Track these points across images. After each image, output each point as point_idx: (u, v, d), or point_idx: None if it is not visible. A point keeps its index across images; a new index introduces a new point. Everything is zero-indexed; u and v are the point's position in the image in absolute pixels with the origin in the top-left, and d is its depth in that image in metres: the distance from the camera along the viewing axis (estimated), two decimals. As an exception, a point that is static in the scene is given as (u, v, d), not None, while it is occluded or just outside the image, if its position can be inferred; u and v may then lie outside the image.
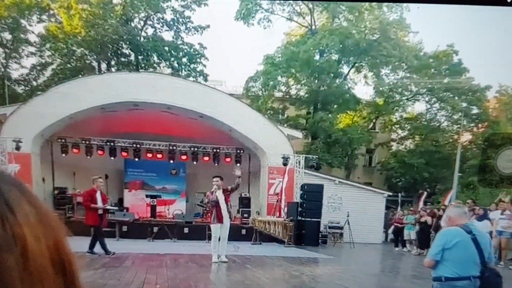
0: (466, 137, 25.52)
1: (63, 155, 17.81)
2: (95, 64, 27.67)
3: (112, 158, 18.58)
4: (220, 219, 9.55)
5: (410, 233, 16.00)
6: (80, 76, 21.52)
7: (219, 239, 9.72)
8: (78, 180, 17.41)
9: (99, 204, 10.10)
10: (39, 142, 16.36)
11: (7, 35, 25.98)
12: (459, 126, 24.92)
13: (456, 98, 25.63)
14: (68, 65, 26.84)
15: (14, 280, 0.31)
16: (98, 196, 10.10)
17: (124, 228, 14.77)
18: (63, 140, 17.81)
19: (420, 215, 15.66)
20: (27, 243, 0.33)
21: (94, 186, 10.27)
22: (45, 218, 0.36)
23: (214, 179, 9.67)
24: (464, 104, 25.39)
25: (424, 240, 15.32)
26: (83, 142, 18.19)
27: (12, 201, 0.34)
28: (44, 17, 26.45)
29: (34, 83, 27.05)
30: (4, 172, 0.36)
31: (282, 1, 27.60)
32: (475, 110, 25.87)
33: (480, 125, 26.25)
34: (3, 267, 0.31)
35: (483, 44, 36.05)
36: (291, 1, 27.61)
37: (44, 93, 17.41)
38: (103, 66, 27.56)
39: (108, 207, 10.74)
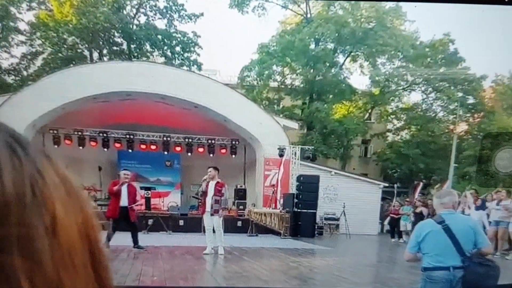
0: (462, 127, 25.54)
1: (55, 146, 17.53)
2: (86, 53, 27.23)
3: (105, 149, 18.34)
4: (203, 211, 9.44)
5: (406, 224, 16.01)
6: (72, 65, 21.11)
7: (214, 231, 9.56)
8: (71, 172, 17.12)
9: (123, 199, 9.62)
10: (30, 133, 16.06)
11: (-5, 24, 25.46)
12: (455, 116, 24.86)
13: (452, 88, 25.58)
14: (59, 54, 26.39)
15: (44, 247, 0.30)
16: (124, 189, 9.60)
17: (119, 221, 14.58)
18: (55, 131, 17.55)
19: (416, 206, 15.68)
20: (56, 211, 0.32)
21: (120, 179, 9.85)
22: (74, 192, 0.35)
23: (208, 169, 9.49)
24: (460, 94, 25.37)
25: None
26: (76, 133, 17.92)
27: (42, 169, 0.33)
28: (34, 4, 25.91)
29: (25, 73, 26.55)
30: (34, 143, 0.33)
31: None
32: (471, 100, 25.86)
33: (476, 115, 26.26)
34: (34, 232, 0.30)
35: (479, 34, 35.97)
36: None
37: (35, 83, 17.08)
38: (95, 55, 27.17)
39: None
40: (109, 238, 9.47)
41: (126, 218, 9.71)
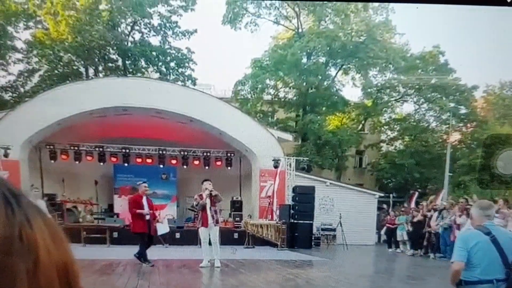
0: (455, 136, 25.78)
1: (52, 161, 17.59)
2: (82, 69, 27.45)
3: (101, 163, 18.37)
4: (205, 223, 9.46)
5: (402, 234, 16.05)
6: (68, 82, 21.28)
7: (210, 244, 9.62)
8: (68, 186, 17.20)
9: (146, 210, 9.65)
10: (27, 149, 16.14)
11: (-7, 42, 25.68)
12: (448, 126, 25.15)
13: (444, 98, 25.90)
14: (56, 71, 26.62)
15: (21, 284, 0.33)
16: (144, 201, 9.65)
17: (115, 234, 14.57)
18: (51, 146, 17.59)
19: (413, 215, 15.73)
20: (40, 255, 0.35)
21: (139, 192, 9.84)
22: (57, 238, 0.38)
23: (205, 182, 9.59)
24: (452, 104, 25.66)
25: (417, 240, 15.40)
26: (72, 148, 17.97)
27: (30, 216, 0.37)
28: (30, 23, 26.22)
29: (22, 90, 26.72)
30: (24, 192, 0.38)
31: (268, 5, 27.64)
32: (463, 110, 26.17)
33: (468, 125, 26.55)
34: (15, 272, 0.33)
35: (468, 44, 36.56)
36: (277, 5, 27.78)
37: (31, 99, 17.22)
38: (91, 71, 27.37)
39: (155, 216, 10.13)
40: (142, 254, 9.58)
41: (149, 232, 9.75)
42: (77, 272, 0.39)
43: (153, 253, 11.34)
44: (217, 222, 9.54)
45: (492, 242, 3.39)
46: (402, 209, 17.37)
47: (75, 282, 0.38)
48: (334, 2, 26.55)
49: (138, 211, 9.57)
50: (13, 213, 0.35)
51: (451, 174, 19.56)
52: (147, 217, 9.66)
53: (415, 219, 15.44)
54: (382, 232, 18.08)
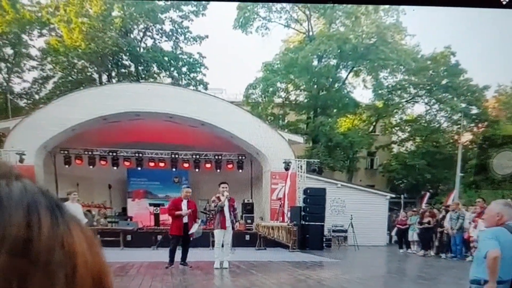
0: (466, 137, 25.58)
1: (66, 166, 17.93)
2: (96, 76, 27.90)
3: (115, 168, 18.68)
4: (223, 225, 9.61)
5: (414, 234, 16.01)
6: (82, 88, 21.69)
7: (223, 246, 9.77)
8: (82, 190, 17.47)
9: (184, 210, 9.86)
10: (42, 154, 16.47)
11: (8, 50, 26.30)
12: (459, 126, 24.99)
13: (455, 99, 25.74)
14: (69, 78, 27.10)
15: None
16: (184, 205, 9.85)
17: (128, 237, 14.78)
18: (66, 152, 17.93)
19: (422, 216, 15.68)
20: (78, 263, 0.38)
21: (181, 195, 10.08)
22: (93, 247, 0.41)
23: (223, 185, 9.75)
24: (463, 105, 25.49)
25: (427, 240, 15.36)
26: (86, 153, 18.30)
27: (72, 229, 0.40)
28: (44, 31, 26.73)
29: (36, 96, 27.30)
30: (66, 206, 0.42)
31: (279, 9, 27.80)
32: (474, 110, 25.98)
33: (480, 125, 26.32)
34: (56, 278, 0.36)
35: (480, 45, 36.24)
36: (288, 9, 27.93)
37: (46, 106, 17.55)
38: (104, 77, 27.77)
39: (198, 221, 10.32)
40: (173, 256, 9.86)
41: (186, 235, 9.93)
42: (111, 283, 0.42)
43: (166, 255, 11.50)
44: (233, 226, 9.74)
45: None
46: (414, 209, 17.30)
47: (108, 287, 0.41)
48: (345, 5, 26.69)
49: (176, 212, 9.77)
50: (57, 222, 0.38)
51: (462, 174, 19.42)
52: (185, 219, 9.82)
53: (425, 220, 15.41)
54: (393, 233, 18.04)
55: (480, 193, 19.32)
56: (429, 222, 15.18)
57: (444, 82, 26.06)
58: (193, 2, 26.78)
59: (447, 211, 14.47)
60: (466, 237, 13.64)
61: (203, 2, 26.79)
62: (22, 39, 25.97)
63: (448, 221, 14.24)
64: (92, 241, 0.41)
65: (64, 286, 0.36)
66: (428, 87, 26.54)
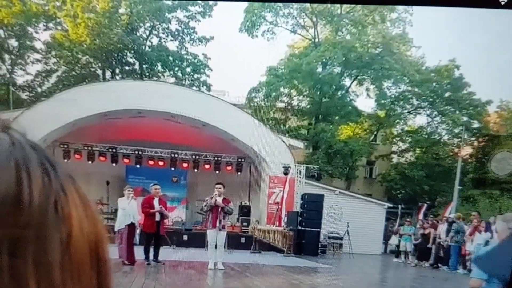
0: (466, 150, 25.57)
1: (65, 160, 17.88)
2: (99, 72, 27.93)
3: (114, 164, 18.68)
4: (213, 224, 9.63)
5: (406, 244, 16.00)
6: (85, 83, 21.73)
7: (216, 247, 9.76)
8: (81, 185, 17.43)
9: (156, 207, 10.11)
10: (41, 147, 16.43)
11: (13, 42, 26.37)
12: (459, 139, 25.02)
13: (457, 112, 25.79)
14: (73, 73, 27.11)
15: (56, 258, 0.34)
16: (156, 203, 10.10)
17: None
18: (65, 146, 17.93)
19: (424, 227, 15.68)
20: (73, 227, 0.35)
21: (151, 193, 10.39)
22: (90, 212, 0.38)
23: (217, 186, 9.76)
24: (465, 118, 25.52)
25: (423, 251, 15.36)
26: (86, 148, 18.31)
27: (65, 186, 0.37)
28: (50, 25, 26.74)
29: (39, 89, 27.30)
30: (59, 163, 0.39)
31: (286, 14, 27.89)
32: (476, 124, 26.00)
33: (481, 139, 26.32)
34: (48, 242, 0.34)
35: (484, 59, 36.34)
36: (295, 15, 28.02)
37: (48, 99, 17.58)
38: (108, 74, 27.84)
39: (165, 212, 10.43)
40: (148, 252, 10.08)
41: (158, 232, 10.20)
42: (107, 250, 0.40)
43: (160, 254, 11.51)
44: (223, 227, 9.67)
45: None
46: (408, 219, 17.33)
47: (104, 256, 0.39)
48: (352, 13, 26.81)
49: (150, 211, 9.99)
50: (50, 182, 0.36)
51: (461, 187, 19.43)
52: (157, 217, 10.04)
53: (421, 231, 15.43)
54: (390, 241, 18.05)
55: (477, 207, 19.34)
56: (429, 234, 15.20)
57: (447, 95, 26.12)
58: (200, 2, 26.91)
59: (450, 223, 14.41)
60: (462, 252, 13.67)
61: (211, 3, 26.91)
62: (27, 31, 26.00)
63: (444, 233, 14.26)
64: (88, 204, 0.39)
65: (58, 253, 0.33)
66: (431, 99, 26.62)
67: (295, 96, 28.07)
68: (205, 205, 9.81)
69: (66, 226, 0.35)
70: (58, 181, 0.36)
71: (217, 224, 9.57)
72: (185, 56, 28.12)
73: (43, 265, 0.33)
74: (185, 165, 19.18)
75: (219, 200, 9.52)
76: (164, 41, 28.19)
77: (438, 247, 14.80)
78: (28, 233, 0.33)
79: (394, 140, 28.88)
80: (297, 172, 17.41)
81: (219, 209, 9.53)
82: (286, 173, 16.69)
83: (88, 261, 0.36)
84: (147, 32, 28.24)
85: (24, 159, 0.35)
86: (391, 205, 19.54)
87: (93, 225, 0.38)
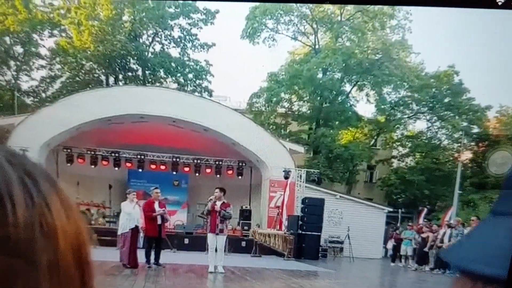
0: (466, 155, 25.63)
1: (68, 164, 18.09)
2: (103, 78, 28.25)
3: (116, 168, 18.86)
4: (212, 229, 9.71)
5: (406, 249, 16.05)
6: (88, 89, 21.99)
7: (216, 250, 9.82)
8: (82, 189, 17.64)
9: (159, 217, 10.16)
10: (44, 152, 16.59)
11: (19, 49, 26.75)
12: (459, 144, 25.11)
13: (457, 117, 25.92)
14: (77, 78, 27.41)
15: (43, 279, 0.34)
16: (156, 206, 10.16)
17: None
18: (68, 150, 18.12)
19: (422, 231, 15.73)
20: (59, 242, 0.35)
21: (152, 197, 10.42)
22: (72, 216, 0.38)
23: (216, 190, 9.86)
24: (465, 123, 25.63)
25: (422, 255, 15.40)
26: (89, 152, 18.51)
27: (50, 202, 0.36)
28: (55, 32, 27.12)
29: (43, 95, 27.61)
30: (38, 164, 0.38)
31: (287, 21, 28.13)
32: (475, 129, 26.09)
33: (480, 144, 26.39)
34: (37, 263, 0.33)
35: (483, 65, 36.44)
36: (296, 22, 28.27)
37: (52, 104, 17.78)
38: (111, 80, 28.13)
39: (167, 216, 10.57)
40: (149, 255, 10.12)
41: (160, 236, 10.29)
42: (89, 252, 0.39)
43: (161, 257, 11.59)
44: (221, 231, 9.71)
45: None
46: (409, 224, 17.37)
47: (86, 257, 0.39)
48: (352, 20, 27.05)
49: (153, 214, 10.02)
50: (32, 202, 0.34)
51: (460, 192, 19.49)
52: (159, 221, 10.09)
53: (424, 235, 15.46)
54: (388, 246, 18.09)
55: (477, 211, 19.38)
56: (427, 237, 15.24)
57: (446, 100, 26.24)
58: (202, 10, 27.20)
59: (450, 228, 14.48)
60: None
61: (213, 10, 27.21)
62: (32, 38, 26.40)
63: (447, 237, 14.30)
64: (71, 207, 0.38)
65: (47, 272, 0.34)
66: (431, 105, 26.75)
67: (295, 101, 28.24)
68: (205, 209, 9.96)
69: (52, 241, 0.34)
70: (40, 196, 0.35)
71: (216, 228, 9.68)
72: (187, 62, 28.39)
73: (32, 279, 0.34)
74: (186, 169, 19.33)
75: (218, 204, 9.62)
76: (167, 48, 28.54)
77: (439, 252, 14.83)
78: (17, 262, 0.32)
79: (394, 145, 29.00)
80: (298, 176, 17.52)
81: (217, 214, 9.64)
82: (286, 177, 16.77)
83: (72, 264, 0.36)
84: (150, 39, 28.57)
85: (5, 182, 0.34)
86: (391, 210, 19.60)
87: (74, 226, 0.37)
